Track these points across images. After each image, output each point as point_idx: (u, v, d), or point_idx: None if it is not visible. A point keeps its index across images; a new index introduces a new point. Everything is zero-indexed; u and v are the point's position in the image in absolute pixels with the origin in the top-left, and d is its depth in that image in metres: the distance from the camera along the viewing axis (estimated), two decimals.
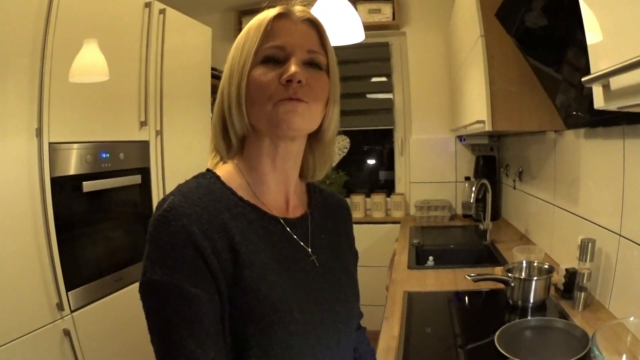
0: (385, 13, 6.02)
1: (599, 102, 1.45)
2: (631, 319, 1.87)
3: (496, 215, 5.67)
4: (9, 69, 2.99)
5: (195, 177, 1.43)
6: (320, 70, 1.44)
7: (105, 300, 3.70)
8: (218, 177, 1.43)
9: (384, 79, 6.53)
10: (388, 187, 6.71)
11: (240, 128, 1.41)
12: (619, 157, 2.47)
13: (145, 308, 1.25)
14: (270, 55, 1.37)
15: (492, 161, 5.87)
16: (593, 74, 1.36)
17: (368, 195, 6.50)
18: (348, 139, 6.62)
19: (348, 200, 6.09)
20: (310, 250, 1.51)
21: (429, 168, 6.30)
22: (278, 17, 1.39)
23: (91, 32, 3.58)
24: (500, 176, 5.85)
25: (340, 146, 6.59)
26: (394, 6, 6.03)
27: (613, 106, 1.38)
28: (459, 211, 6.22)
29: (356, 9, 5.62)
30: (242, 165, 1.49)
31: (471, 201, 4.50)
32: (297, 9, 1.44)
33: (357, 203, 6.41)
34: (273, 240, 1.42)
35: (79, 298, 3.46)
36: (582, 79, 1.40)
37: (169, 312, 1.21)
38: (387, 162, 6.77)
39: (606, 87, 1.39)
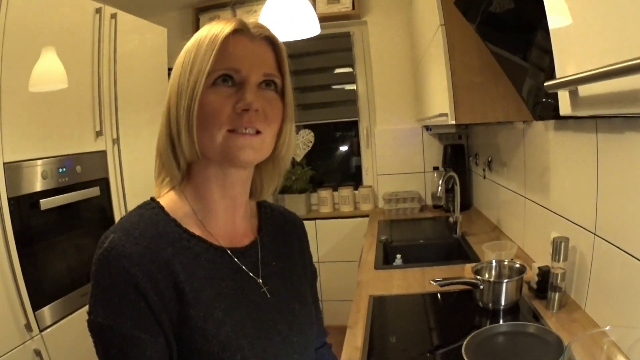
0: (345, 3, 5.92)
1: (564, 108, 1.34)
2: (607, 328, 1.78)
3: (467, 205, 5.62)
4: None
5: (138, 208, 1.39)
6: (275, 92, 1.38)
7: (74, 315, 3.65)
8: (162, 208, 1.37)
9: (349, 69, 6.46)
10: (357, 179, 6.65)
11: (189, 155, 1.35)
12: (592, 152, 2.38)
13: (94, 345, 1.23)
14: (223, 77, 1.29)
15: (460, 150, 5.79)
16: (558, 79, 1.25)
17: (336, 189, 6.43)
18: (312, 133, 6.54)
19: (315, 195, 6.09)
20: (260, 280, 1.46)
21: (396, 159, 6.23)
22: (233, 32, 1.31)
23: (40, 42, 3.48)
24: (469, 165, 5.78)
25: (304, 140, 6.51)
26: None
27: (582, 113, 1.27)
28: (429, 202, 6.16)
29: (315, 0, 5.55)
30: (189, 192, 1.43)
31: (438, 194, 4.42)
32: (253, 24, 1.36)
33: (325, 198, 6.36)
34: (221, 274, 1.38)
35: (47, 316, 3.43)
36: (545, 84, 1.30)
37: (115, 354, 1.19)
38: (357, 150, 6.69)
39: (573, 93, 1.27)
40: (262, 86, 1.35)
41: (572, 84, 1.20)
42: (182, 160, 1.37)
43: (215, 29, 1.32)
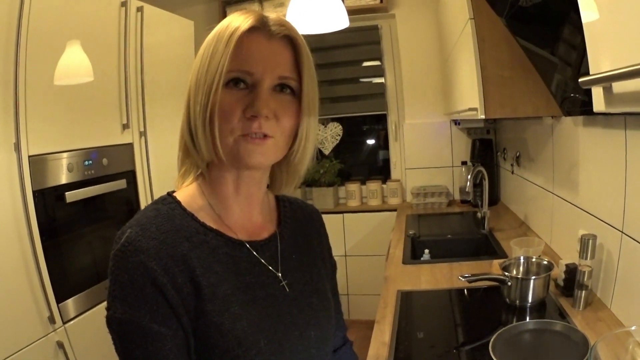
0: None
1: (598, 105, 1.31)
2: (633, 328, 1.76)
3: (495, 200, 5.57)
4: None
5: (155, 203, 1.38)
6: (291, 94, 1.36)
7: (97, 308, 3.68)
8: (178, 203, 1.36)
9: (377, 62, 6.42)
10: (385, 173, 6.62)
11: (207, 155, 1.34)
12: (621, 149, 2.34)
13: (113, 341, 1.24)
14: (236, 79, 1.28)
15: (488, 144, 5.75)
16: (593, 75, 1.22)
17: (364, 183, 6.41)
18: (340, 126, 6.53)
19: (343, 188, 6.06)
20: (279, 274, 1.45)
21: (425, 153, 6.20)
22: (251, 30, 1.28)
23: (65, 35, 3.50)
24: (497, 160, 5.74)
25: (332, 133, 6.49)
26: None
27: (616, 110, 1.24)
28: (457, 196, 6.13)
29: None
30: (205, 186, 1.42)
31: (467, 189, 4.39)
32: (273, 20, 1.33)
33: (353, 191, 6.35)
34: (239, 268, 1.37)
35: (70, 309, 3.44)
36: (580, 80, 1.28)
37: (134, 349, 1.19)
38: (384, 144, 6.67)
39: (608, 90, 1.24)
40: (277, 89, 1.33)
41: (606, 81, 1.18)
42: (199, 158, 1.37)
43: (234, 23, 1.30)
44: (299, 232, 1.63)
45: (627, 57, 1.11)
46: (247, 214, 1.48)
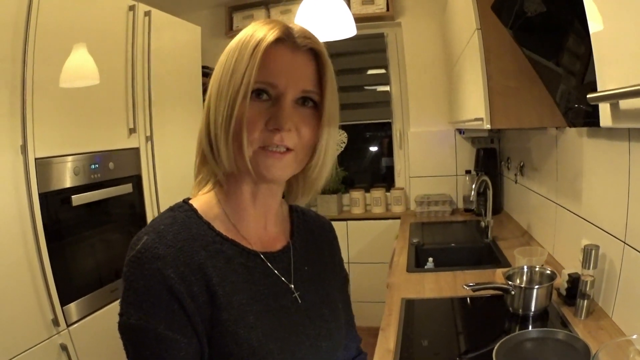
0: (379, 4, 5.91)
1: (605, 120, 1.33)
2: (634, 336, 1.77)
3: (498, 209, 5.59)
4: None
5: (171, 210, 1.37)
6: (313, 108, 1.36)
7: (101, 312, 3.68)
8: (195, 211, 1.36)
9: (382, 71, 6.44)
10: (388, 180, 6.64)
11: (228, 166, 1.33)
12: (624, 160, 2.36)
13: (124, 347, 1.22)
14: (258, 91, 1.27)
15: (492, 154, 5.76)
16: (600, 92, 1.25)
17: (368, 190, 6.42)
18: (345, 134, 6.53)
19: (347, 196, 6.06)
20: (292, 285, 1.45)
21: (429, 161, 6.22)
22: (276, 41, 1.28)
23: (73, 39, 3.50)
24: (501, 169, 5.75)
25: (337, 141, 6.44)
26: None
27: (622, 126, 1.26)
28: (460, 205, 6.14)
29: (349, 0, 5.56)
30: (222, 195, 1.42)
31: (471, 198, 4.41)
32: (298, 32, 1.33)
33: (357, 199, 6.36)
34: (253, 278, 1.37)
35: (74, 312, 3.45)
36: (588, 96, 1.30)
37: (148, 356, 1.18)
38: (387, 151, 6.69)
39: (614, 106, 1.27)
40: (299, 102, 1.33)
41: (614, 98, 1.20)
42: (218, 169, 1.36)
43: (259, 33, 1.28)
44: (311, 243, 1.64)
45: (635, 75, 1.12)
46: (262, 225, 1.48)
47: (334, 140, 1.43)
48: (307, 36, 1.33)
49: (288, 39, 1.30)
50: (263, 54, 1.25)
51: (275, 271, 1.43)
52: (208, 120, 1.34)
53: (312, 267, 1.57)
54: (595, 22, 1.37)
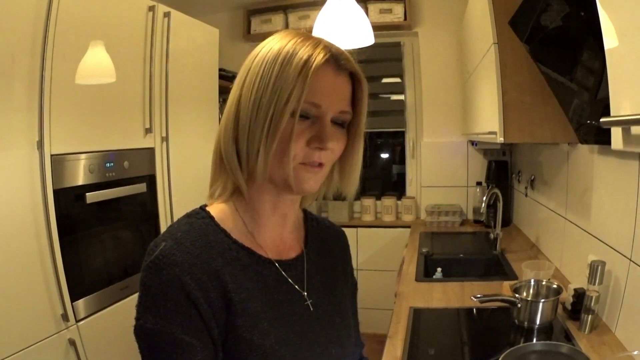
0: (397, 13, 5.94)
1: (616, 144, 1.37)
2: (635, 352, 1.80)
3: (507, 221, 5.60)
4: (9, 78, 2.95)
5: (188, 217, 1.39)
6: (343, 126, 1.40)
7: (111, 308, 3.70)
8: (212, 218, 1.38)
9: (397, 79, 6.47)
10: (399, 189, 6.67)
11: (261, 176, 1.34)
12: (634, 179, 2.39)
13: (140, 351, 1.24)
14: (304, 110, 1.29)
15: (504, 166, 5.78)
16: (613, 117, 1.28)
17: (379, 198, 6.45)
18: None
19: (358, 203, 6.07)
20: (305, 293, 1.48)
21: (441, 172, 6.24)
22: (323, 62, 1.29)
23: (92, 37, 3.53)
24: (512, 182, 5.77)
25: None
26: (406, 6, 5.95)
27: (633, 150, 1.29)
28: (470, 216, 6.16)
29: (367, 9, 5.60)
30: (240, 204, 1.44)
31: (481, 210, 4.43)
32: (340, 54, 1.35)
33: (368, 206, 6.39)
34: (267, 286, 1.39)
35: (84, 308, 3.47)
36: (601, 120, 1.33)
37: (163, 359, 1.20)
38: (399, 159, 6.72)
39: (626, 131, 1.30)
40: (333, 120, 1.35)
41: (626, 124, 1.22)
42: (243, 180, 1.38)
43: (304, 51, 1.29)
44: (325, 252, 1.67)
45: None
46: (279, 232, 1.51)
47: (361, 156, 1.50)
48: (349, 59, 1.36)
49: (332, 61, 1.33)
50: (312, 74, 1.26)
51: (289, 279, 1.45)
52: (237, 128, 1.35)
53: (325, 275, 1.60)
54: (610, 47, 1.40)
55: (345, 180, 1.50)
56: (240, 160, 1.36)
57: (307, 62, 1.27)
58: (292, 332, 1.39)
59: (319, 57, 1.28)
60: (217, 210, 1.42)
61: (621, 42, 1.33)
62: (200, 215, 1.39)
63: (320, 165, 1.33)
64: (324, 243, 1.69)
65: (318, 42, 1.33)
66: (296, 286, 1.47)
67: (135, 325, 1.23)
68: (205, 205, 1.45)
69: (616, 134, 1.37)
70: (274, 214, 1.46)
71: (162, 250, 1.24)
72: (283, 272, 1.44)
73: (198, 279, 1.23)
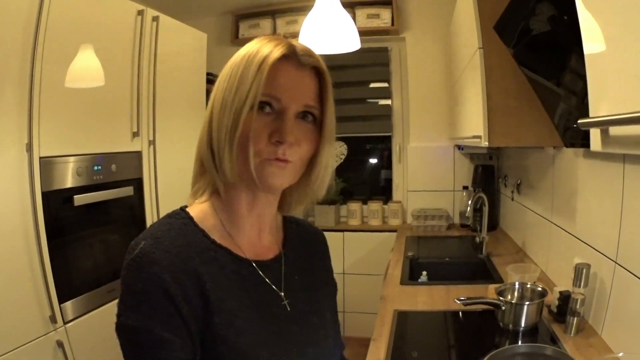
0: (384, 18, 5.96)
1: (595, 145, 1.38)
2: (620, 354, 1.81)
3: (494, 225, 5.60)
4: None
5: (168, 217, 1.41)
6: (313, 123, 1.41)
7: (99, 310, 3.70)
8: (191, 219, 1.40)
9: (384, 84, 6.49)
10: (386, 193, 6.68)
11: (231, 176, 1.37)
12: (618, 181, 2.40)
13: (121, 348, 1.26)
14: (262, 104, 1.32)
15: (490, 170, 5.80)
16: (591, 118, 1.29)
17: (365, 202, 6.45)
18: (345, 146, 6.58)
19: (344, 207, 6.09)
20: (282, 294, 1.49)
21: (427, 176, 6.25)
22: (281, 58, 1.33)
23: (81, 41, 3.54)
24: (498, 186, 5.79)
25: (337, 152, 6.51)
26: (393, 11, 5.96)
27: (611, 151, 1.31)
28: (457, 220, 6.17)
29: (355, 14, 5.61)
30: (218, 204, 1.46)
31: (467, 214, 4.45)
32: (302, 51, 1.37)
33: (354, 210, 6.39)
34: (245, 286, 1.41)
35: (72, 310, 3.47)
36: (579, 121, 1.34)
37: (144, 356, 1.22)
38: (386, 164, 6.73)
39: (605, 132, 1.31)
40: (300, 116, 1.37)
41: (603, 125, 1.24)
42: (219, 180, 1.40)
43: (265, 49, 1.33)
44: (303, 253, 1.68)
45: (625, 103, 1.17)
46: (257, 234, 1.52)
47: (333, 155, 1.49)
48: (311, 55, 1.38)
49: (293, 57, 1.35)
50: (270, 68, 1.30)
51: (267, 279, 1.47)
52: (210, 131, 1.38)
53: (303, 276, 1.62)
54: (590, 49, 1.41)
55: (313, 180, 1.48)
56: (215, 161, 1.38)
57: (266, 58, 1.31)
58: (269, 332, 1.41)
59: (277, 52, 1.32)
60: (197, 210, 1.44)
61: (600, 43, 1.35)
62: (180, 216, 1.41)
63: (286, 161, 1.33)
64: (303, 245, 1.70)
65: (282, 41, 1.36)
66: (274, 286, 1.48)
67: (117, 322, 1.25)
68: (186, 206, 1.48)
69: (595, 135, 1.38)
70: (250, 214, 1.47)
71: (141, 248, 1.27)
72: (261, 273, 1.46)
73: (176, 277, 1.25)
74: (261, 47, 1.34)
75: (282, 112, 1.33)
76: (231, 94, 1.32)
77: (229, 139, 1.31)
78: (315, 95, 1.40)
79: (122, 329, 1.24)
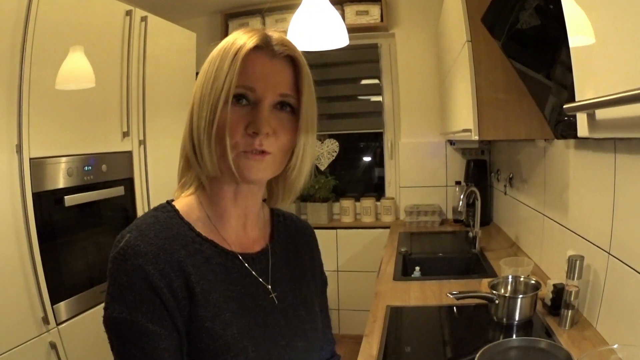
0: (373, 15, 5.93)
1: (582, 131, 1.37)
2: (615, 346, 1.80)
3: (487, 220, 5.61)
4: None
5: (154, 210, 1.42)
6: (291, 112, 1.40)
7: (92, 311, 3.69)
8: (177, 212, 1.41)
9: (375, 81, 6.47)
10: (379, 190, 6.66)
11: (212, 170, 1.37)
12: (610, 172, 2.39)
13: (109, 340, 1.28)
14: (238, 96, 1.32)
15: (483, 165, 5.80)
16: (577, 102, 1.28)
17: (358, 199, 6.44)
18: (337, 143, 6.58)
19: (337, 204, 6.08)
20: (269, 286, 1.49)
21: (419, 172, 6.24)
22: (255, 48, 1.33)
23: (70, 42, 3.53)
24: (491, 180, 5.78)
25: (329, 150, 6.54)
26: (382, 7, 5.95)
27: (598, 136, 1.29)
28: (450, 216, 6.16)
29: (343, 10, 5.60)
30: (203, 197, 1.47)
31: (459, 209, 4.44)
32: (276, 40, 1.38)
33: (347, 207, 6.39)
34: (230, 278, 1.42)
35: (65, 311, 3.46)
36: (564, 106, 1.33)
37: (131, 347, 1.24)
38: (379, 161, 6.71)
39: (591, 116, 1.30)
40: (277, 106, 1.37)
41: (589, 108, 1.22)
42: (202, 172, 1.40)
43: (239, 41, 1.34)
44: (291, 246, 1.68)
45: (610, 85, 1.16)
46: (243, 227, 1.52)
47: (311, 144, 1.48)
48: (285, 44, 1.39)
49: (266, 47, 1.36)
50: (243, 60, 1.31)
51: (253, 272, 1.47)
52: (191, 126, 1.39)
53: (291, 269, 1.62)
54: (574, 33, 1.40)
55: (290, 170, 1.48)
56: (197, 155, 1.38)
57: (239, 49, 1.31)
58: (256, 324, 1.41)
59: (250, 42, 1.32)
60: (183, 204, 1.45)
61: (585, 27, 1.33)
62: (166, 209, 1.41)
63: (264, 152, 1.33)
64: (291, 238, 1.70)
65: (257, 32, 1.37)
66: (260, 279, 1.48)
67: (104, 314, 1.26)
68: (172, 200, 1.48)
69: (582, 120, 1.37)
70: (234, 206, 1.47)
71: (127, 241, 1.28)
72: (247, 265, 1.46)
73: (161, 269, 1.26)
74: (236, 39, 1.35)
75: (257, 102, 1.33)
76: (208, 88, 1.33)
77: (207, 133, 1.32)
78: (291, 84, 1.40)
79: (109, 321, 1.26)
